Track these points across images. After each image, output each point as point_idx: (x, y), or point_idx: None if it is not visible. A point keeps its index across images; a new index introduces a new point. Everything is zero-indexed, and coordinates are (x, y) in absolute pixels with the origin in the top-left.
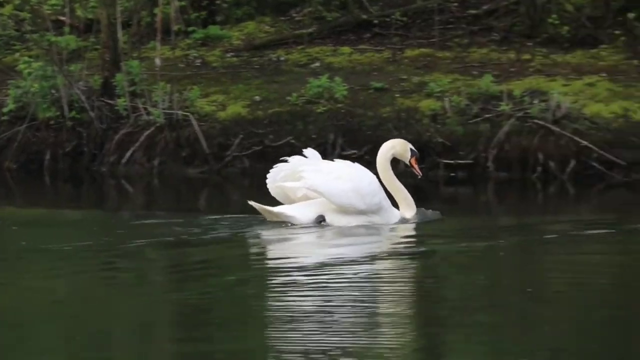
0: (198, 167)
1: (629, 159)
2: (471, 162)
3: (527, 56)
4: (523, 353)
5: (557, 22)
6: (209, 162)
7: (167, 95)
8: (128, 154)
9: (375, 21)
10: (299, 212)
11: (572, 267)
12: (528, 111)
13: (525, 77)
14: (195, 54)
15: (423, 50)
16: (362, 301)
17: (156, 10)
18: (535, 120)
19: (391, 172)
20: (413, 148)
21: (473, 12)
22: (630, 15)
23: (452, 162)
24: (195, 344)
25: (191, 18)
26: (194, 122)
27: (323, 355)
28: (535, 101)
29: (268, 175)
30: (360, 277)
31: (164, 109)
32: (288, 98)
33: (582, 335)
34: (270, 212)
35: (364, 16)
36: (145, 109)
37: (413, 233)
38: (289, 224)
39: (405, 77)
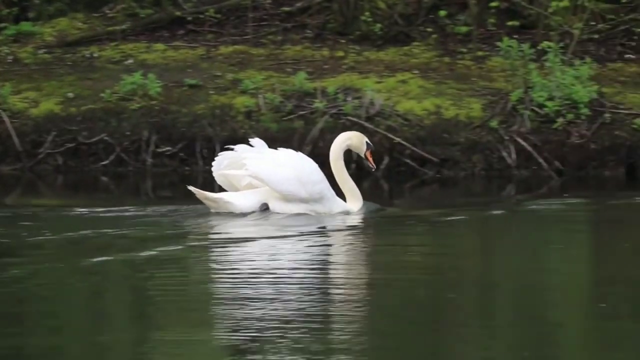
0: (10, 164)
1: (440, 155)
2: None
3: (340, 53)
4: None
5: (369, 19)
6: (22, 160)
7: None
8: None
9: (189, 18)
10: (240, 199)
11: (382, 263)
12: (342, 108)
13: (338, 74)
14: (6, 51)
15: (237, 47)
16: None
17: None
18: (349, 117)
19: (342, 163)
20: (369, 141)
21: (287, 9)
22: (442, 12)
23: None
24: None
25: (2, 14)
26: (6, 119)
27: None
28: (349, 98)
29: (213, 163)
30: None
31: None
32: (102, 95)
33: (388, 334)
34: (208, 198)
35: (178, 13)
36: None
37: (349, 224)
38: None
39: (219, 74)
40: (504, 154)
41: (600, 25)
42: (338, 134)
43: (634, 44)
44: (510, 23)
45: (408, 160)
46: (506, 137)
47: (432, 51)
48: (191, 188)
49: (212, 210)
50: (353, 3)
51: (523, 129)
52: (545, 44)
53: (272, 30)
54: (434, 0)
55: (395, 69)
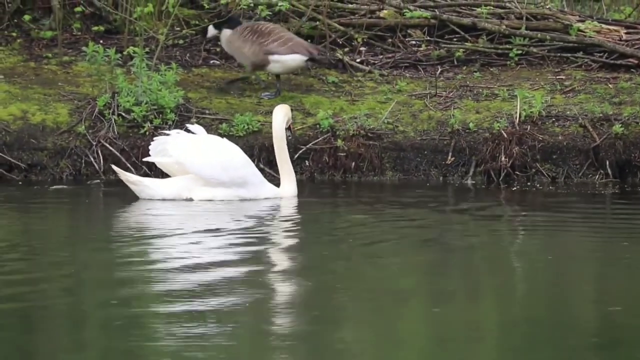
0: None
1: (28, 160)
2: None
3: None
4: None
5: None
6: None
7: None
8: None
9: None
10: (160, 185)
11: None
12: None
13: None
14: None
15: None
16: None
17: None
18: None
19: (285, 143)
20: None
21: None
22: (27, 17)
23: None
24: None
25: None
26: None
27: None
28: None
29: (150, 148)
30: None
31: None
32: None
33: None
34: (129, 181)
35: None
36: None
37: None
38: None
39: None
40: (92, 158)
41: (184, 31)
42: None
43: (218, 49)
44: (95, 28)
45: None
46: (94, 143)
47: (18, 56)
48: (115, 168)
49: (137, 194)
50: None
51: (110, 134)
52: (131, 49)
53: None
54: (17, 4)
55: None
